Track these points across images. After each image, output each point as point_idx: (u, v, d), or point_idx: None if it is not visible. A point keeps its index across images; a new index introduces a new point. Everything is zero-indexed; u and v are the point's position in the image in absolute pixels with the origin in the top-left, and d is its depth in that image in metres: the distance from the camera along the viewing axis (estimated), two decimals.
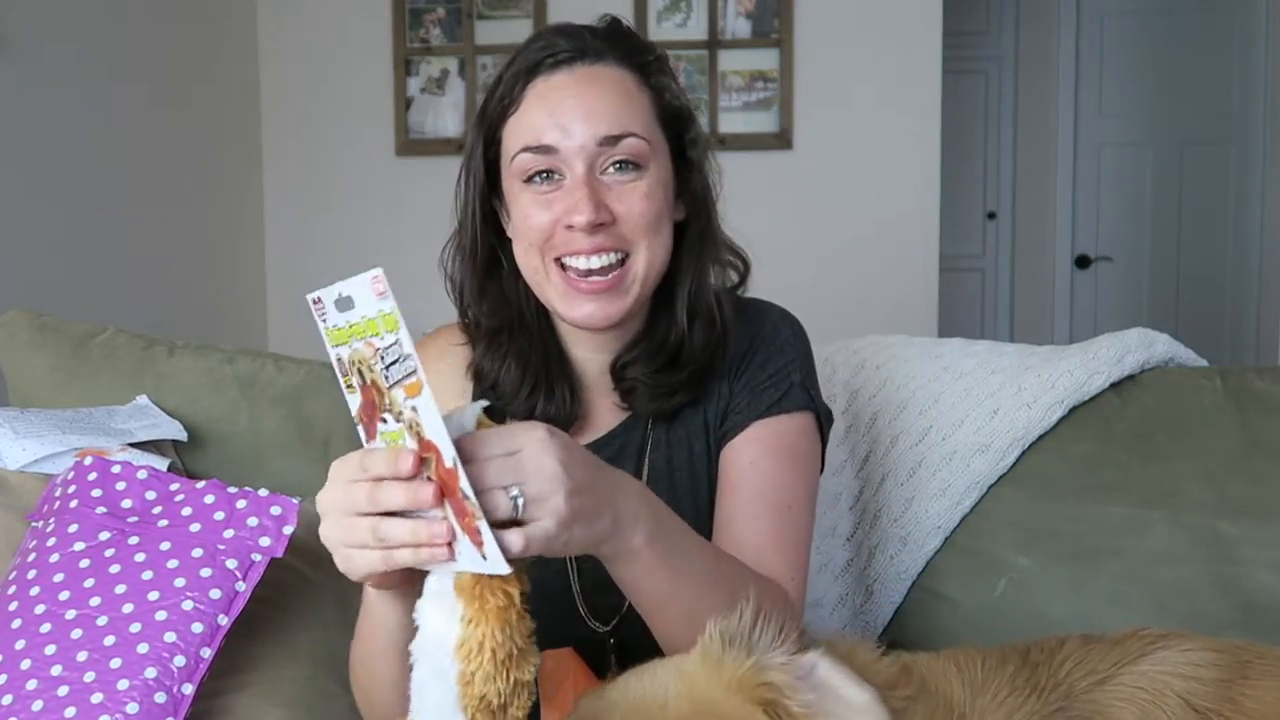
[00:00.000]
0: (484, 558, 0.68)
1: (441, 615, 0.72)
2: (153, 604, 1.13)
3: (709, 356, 1.07)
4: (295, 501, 1.24)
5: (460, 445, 0.69)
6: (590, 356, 1.10)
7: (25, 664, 1.10)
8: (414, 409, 0.68)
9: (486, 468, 0.70)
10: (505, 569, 0.68)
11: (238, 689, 1.18)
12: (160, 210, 3.03)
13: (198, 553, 1.17)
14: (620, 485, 0.81)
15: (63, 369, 1.55)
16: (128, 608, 1.13)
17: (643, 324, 1.09)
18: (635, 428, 1.10)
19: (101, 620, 1.12)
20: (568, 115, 0.98)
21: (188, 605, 1.12)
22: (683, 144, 1.06)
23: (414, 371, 0.68)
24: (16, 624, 1.14)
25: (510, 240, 1.07)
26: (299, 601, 1.27)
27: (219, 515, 1.21)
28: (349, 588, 0.85)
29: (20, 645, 1.12)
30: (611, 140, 0.99)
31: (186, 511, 1.22)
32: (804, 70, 3.45)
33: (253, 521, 1.20)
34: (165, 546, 1.17)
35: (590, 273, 1.00)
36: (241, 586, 1.15)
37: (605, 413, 1.11)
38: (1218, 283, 4.67)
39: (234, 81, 3.48)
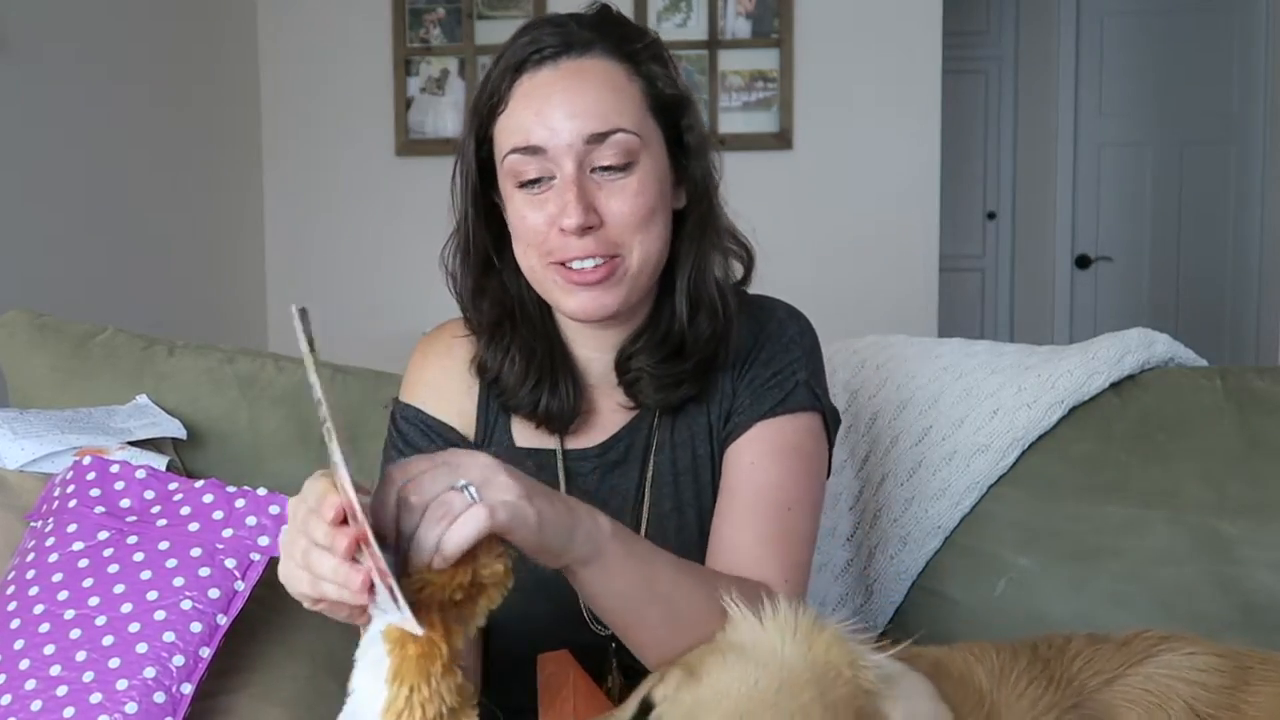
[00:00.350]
0: (399, 609, 0.68)
1: (369, 674, 0.71)
2: (151, 604, 1.13)
3: (713, 347, 1.05)
4: None
5: (397, 475, 0.71)
6: (593, 355, 1.09)
7: (24, 664, 1.10)
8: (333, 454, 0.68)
9: (425, 478, 0.72)
10: (416, 628, 0.68)
11: (237, 689, 1.18)
12: (160, 210, 3.03)
13: (196, 552, 1.17)
14: (569, 496, 0.82)
15: (62, 369, 1.55)
16: (126, 607, 1.13)
17: (646, 317, 1.07)
18: (640, 429, 1.09)
19: (100, 620, 1.12)
20: (554, 113, 0.97)
21: (186, 605, 1.12)
22: (679, 131, 1.04)
23: (324, 420, 0.68)
24: (15, 624, 1.14)
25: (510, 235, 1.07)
26: (298, 601, 1.27)
27: (218, 515, 1.21)
28: None
29: (19, 645, 1.11)
30: (599, 137, 0.97)
31: (185, 511, 1.22)
32: (804, 70, 3.45)
33: (251, 521, 1.20)
34: (164, 546, 1.17)
35: (584, 269, 0.99)
36: (240, 586, 1.15)
37: (609, 413, 1.10)
38: (1218, 283, 4.67)
39: (234, 81, 3.48)
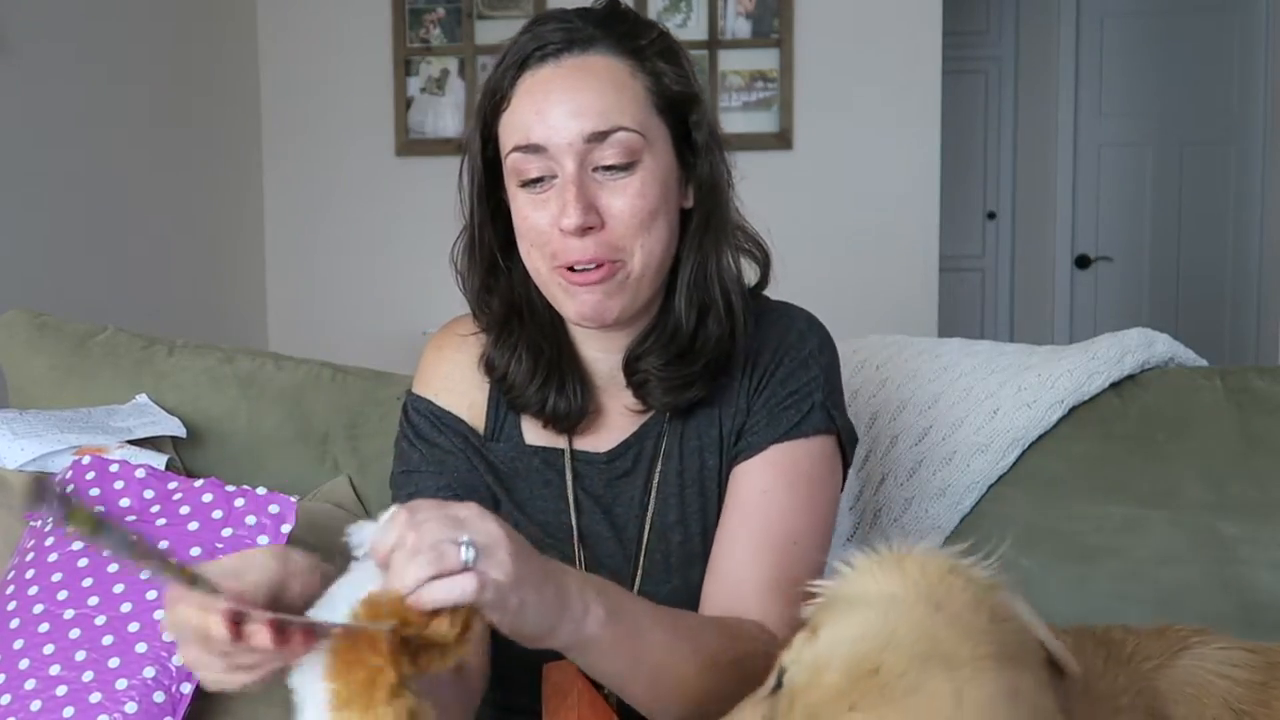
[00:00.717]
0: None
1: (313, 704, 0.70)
2: (150, 603, 1.13)
3: (724, 348, 1.04)
4: (293, 500, 1.24)
5: (405, 511, 0.71)
6: (600, 356, 1.08)
7: (23, 664, 1.10)
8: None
9: (429, 525, 0.70)
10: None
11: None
12: (160, 210, 3.03)
13: (196, 551, 1.17)
14: (563, 568, 0.80)
15: (62, 368, 1.55)
16: (126, 607, 1.13)
17: (654, 318, 1.06)
18: (649, 436, 1.07)
19: (99, 620, 1.12)
20: (554, 111, 0.95)
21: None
22: (688, 129, 1.03)
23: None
24: (14, 624, 1.14)
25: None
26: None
27: (217, 514, 1.21)
28: None
29: (18, 645, 1.11)
30: (600, 135, 0.95)
31: (184, 510, 1.22)
32: (804, 70, 3.45)
33: (251, 520, 1.20)
34: (164, 545, 1.17)
35: (586, 272, 0.98)
36: None
37: (618, 415, 1.08)
38: (1218, 283, 4.67)
39: (234, 81, 3.48)
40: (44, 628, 1.12)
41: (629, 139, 0.96)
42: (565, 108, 0.95)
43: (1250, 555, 1.28)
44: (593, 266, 0.97)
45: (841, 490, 1.09)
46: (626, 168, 0.97)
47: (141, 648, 1.10)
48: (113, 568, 1.17)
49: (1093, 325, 4.72)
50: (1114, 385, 1.40)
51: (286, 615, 0.67)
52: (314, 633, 0.68)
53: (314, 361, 1.59)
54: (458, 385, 1.10)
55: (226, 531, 1.19)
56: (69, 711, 1.06)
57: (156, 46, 3.02)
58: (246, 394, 1.54)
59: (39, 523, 1.24)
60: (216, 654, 0.69)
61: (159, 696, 1.08)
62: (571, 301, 1.00)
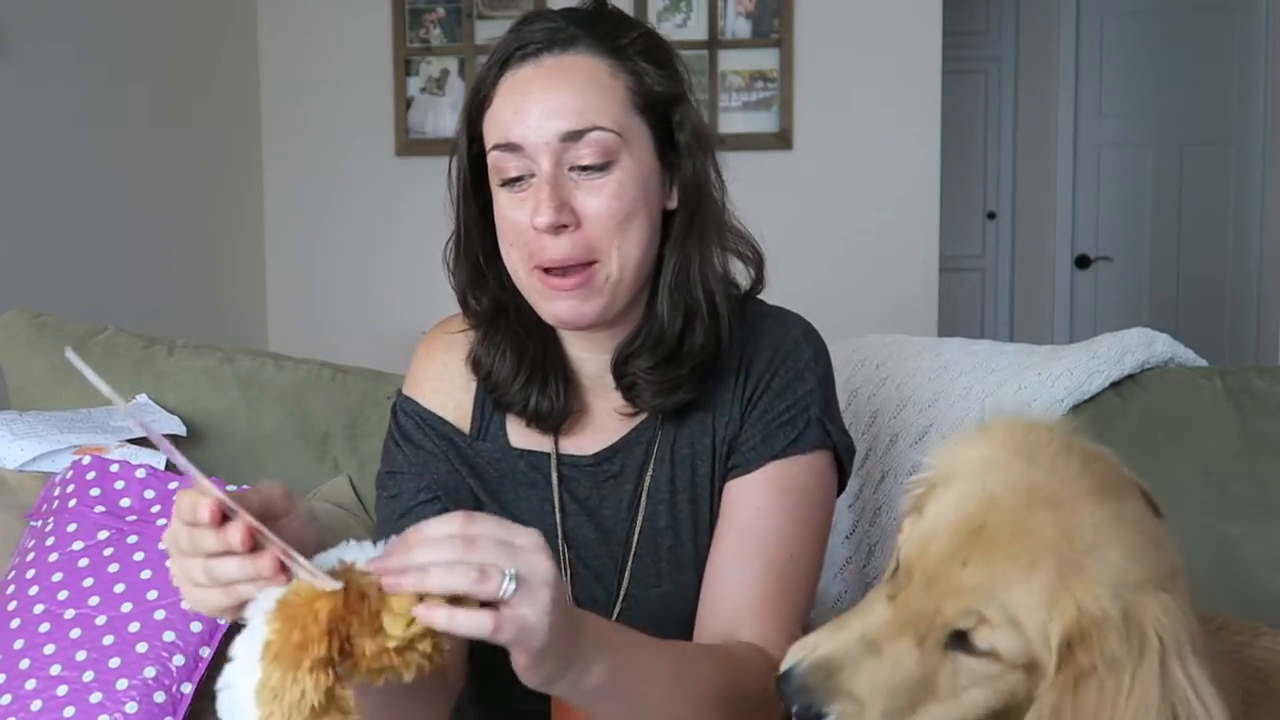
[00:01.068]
0: (311, 575, 0.68)
1: (247, 647, 0.69)
2: (151, 603, 1.13)
3: (709, 352, 1.03)
4: None
5: (463, 516, 0.70)
6: (586, 356, 1.07)
7: (24, 664, 1.10)
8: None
9: (483, 541, 0.68)
10: (331, 584, 0.67)
11: None
12: (160, 210, 3.03)
13: None
14: (583, 618, 0.78)
15: (62, 368, 1.55)
16: (126, 607, 1.13)
17: (641, 318, 1.05)
18: (639, 442, 1.07)
19: (100, 619, 1.12)
20: (531, 110, 0.96)
21: (186, 604, 1.12)
22: (671, 129, 1.02)
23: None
24: (15, 624, 1.14)
25: None
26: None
27: None
28: None
29: (19, 645, 1.11)
30: (575, 135, 0.95)
31: None
32: (804, 70, 3.46)
33: None
34: (164, 545, 1.17)
35: (560, 270, 0.98)
36: None
37: (605, 417, 1.07)
38: (1218, 283, 4.67)
39: (234, 81, 3.48)
40: (45, 628, 1.12)
41: (605, 139, 0.96)
42: (542, 107, 0.96)
43: (1250, 555, 1.28)
44: (569, 270, 0.97)
45: (838, 493, 1.09)
46: (603, 168, 0.96)
47: (142, 648, 1.10)
48: (113, 568, 1.17)
49: (1093, 325, 4.72)
50: (1114, 385, 1.40)
51: (267, 532, 0.68)
52: (282, 566, 0.68)
53: (314, 361, 1.59)
54: (444, 386, 1.10)
55: None
56: (70, 711, 1.06)
57: (156, 46, 3.02)
58: (246, 394, 1.54)
59: (39, 523, 1.24)
60: (199, 557, 0.70)
61: (159, 696, 1.08)
62: (548, 305, 1.00)
